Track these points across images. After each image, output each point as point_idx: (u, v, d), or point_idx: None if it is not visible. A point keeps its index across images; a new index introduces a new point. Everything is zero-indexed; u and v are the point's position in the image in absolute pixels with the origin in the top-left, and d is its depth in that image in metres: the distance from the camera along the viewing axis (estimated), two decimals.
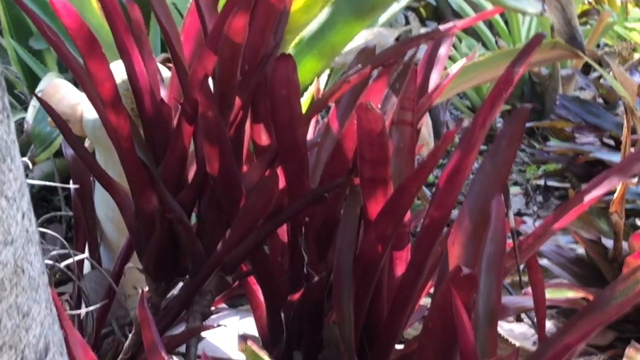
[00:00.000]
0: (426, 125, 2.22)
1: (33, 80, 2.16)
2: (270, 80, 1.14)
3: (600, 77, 3.26)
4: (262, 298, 1.26)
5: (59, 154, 1.90)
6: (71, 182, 1.47)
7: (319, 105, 1.24)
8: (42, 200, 2.15)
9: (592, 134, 2.70)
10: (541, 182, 2.86)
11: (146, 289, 1.25)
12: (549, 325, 1.87)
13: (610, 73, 2.00)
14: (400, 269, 1.16)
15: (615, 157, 2.26)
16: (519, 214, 2.71)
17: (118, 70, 1.27)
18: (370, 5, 1.51)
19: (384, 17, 1.76)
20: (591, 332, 0.97)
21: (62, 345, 0.74)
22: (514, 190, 2.83)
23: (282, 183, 1.20)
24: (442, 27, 1.24)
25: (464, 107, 3.50)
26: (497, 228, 1.00)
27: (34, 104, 1.82)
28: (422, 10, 4.94)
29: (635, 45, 3.59)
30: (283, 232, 1.24)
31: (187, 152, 1.21)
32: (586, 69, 3.50)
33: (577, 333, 0.95)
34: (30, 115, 1.79)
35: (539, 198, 2.82)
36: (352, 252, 1.12)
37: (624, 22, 3.79)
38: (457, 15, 4.06)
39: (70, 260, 1.33)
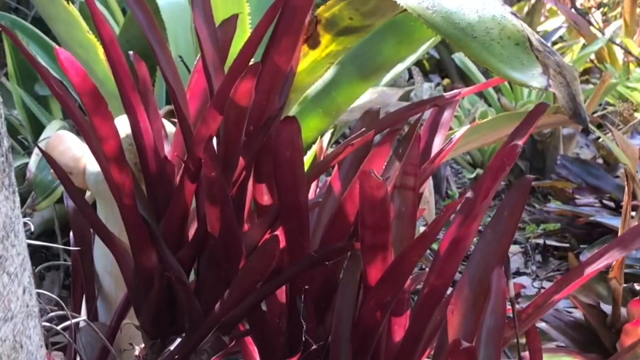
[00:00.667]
0: (427, 183, 2.22)
1: (37, 125, 2.17)
2: (275, 142, 1.14)
3: (600, 137, 3.27)
4: (258, 359, 1.25)
5: (60, 200, 1.90)
6: (71, 233, 1.47)
7: (321, 167, 1.24)
8: (41, 247, 2.14)
9: (592, 195, 2.70)
10: (540, 241, 2.86)
11: (142, 345, 1.25)
12: None
13: (610, 135, 2.01)
14: (398, 335, 1.15)
15: (615, 221, 2.26)
16: (517, 272, 2.70)
17: (123, 124, 1.28)
18: (375, 67, 1.52)
19: (388, 76, 1.76)
20: None
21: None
22: (513, 248, 2.82)
23: (282, 243, 1.20)
24: (447, 94, 1.24)
25: (464, 162, 3.51)
26: (497, 301, 1.00)
27: (37, 152, 1.82)
28: (425, 63, 4.97)
29: (637, 105, 3.61)
30: (282, 293, 1.24)
31: (188, 209, 1.21)
32: (587, 129, 3.51)
33: None
34: (33, 163, 1.80)
35: (538, 257, 2.81)
36: (350, 317, 1.12)
37: (625, 81, 3.81)
38: (459, 69, 4.08)
39: (67, 322, 1.32)
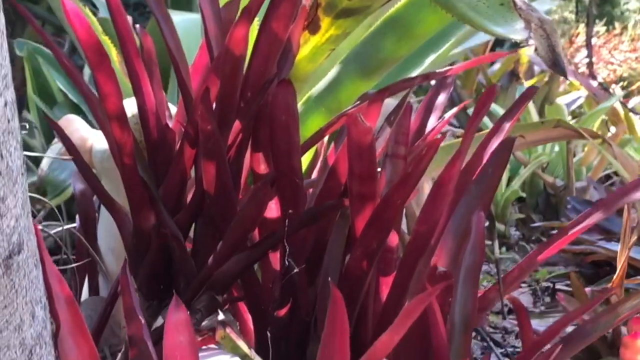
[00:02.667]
0: (427, 182, 2.23)
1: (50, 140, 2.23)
2: (270, 106, 1.19)
3: (613, 184, 3.30)
4: (251, 326, 1.28)
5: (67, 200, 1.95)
6: (77, 216, 1.51)
7: (316, 136, 1.28)
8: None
9: (601, 236, 2.71)
10: (550, 284, 2.87)
11: None
12: None
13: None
14: (385, 293, 1.17)
15: (615, 247, 2.27)
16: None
17: (130, 105, 1.33)
18: (376, 65, 1.57)
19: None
20: None
21: (37, 259, 0.77)
22: (521, 288, 2.84)
23: (277, 212, 1.24)
24: (439, 70, 1.29)
25: None
26: (475, 241, 1.03)
27: (49, 154, 1.88)
28: None
29: None
30: (276, 260, 1.27)
31: (187, 174, 1.25)
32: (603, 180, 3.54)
33: None
34: (45, 164, 1.86)
35: (547, 299, 2.82)
36: (337, 270, 1.15)
37: None
38: None
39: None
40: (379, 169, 1.18)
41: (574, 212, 2.88)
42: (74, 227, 1.50)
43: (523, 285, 2.88)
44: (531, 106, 3.58)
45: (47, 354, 0.78)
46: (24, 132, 2.32)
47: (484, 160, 1.17)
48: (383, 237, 1.09)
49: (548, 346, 1.03)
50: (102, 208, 1.53)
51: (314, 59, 1.45)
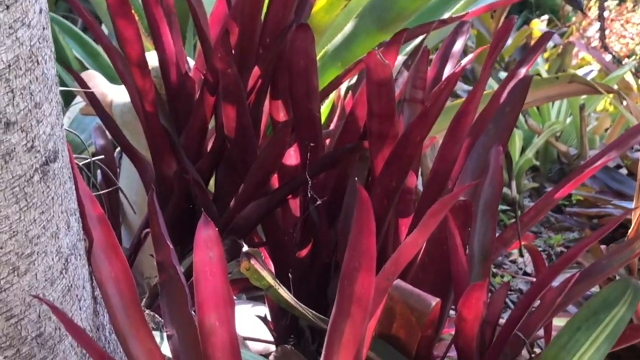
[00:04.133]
0: None
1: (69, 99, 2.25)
2: (289, 51, 1.21)
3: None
4: (272, 269, 1.30)
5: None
6: (99, 171, 1.53)
7: (334, 82, 1.30)
8: None
9: (615, 199, 2.72)
10: (564, 249, 2.88)
11: None
12: None
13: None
14: (404, 235, 1.19)
15: (630, 204, 2.28)
16: None
17: (151, 58, 1.35)
18: (391, 18, 1.59)
19: (410, 47, 1.82)
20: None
21: (70, 173, 0.79)
22: None
23: (297, 158, 1.26)
24: (455, 15, 1.30)
25: None
26: (494, 175, 1.05)
27: (68, 115, 1.90)
28: None
29: None
30: (296, 207, 1.29)
31: (207, 122, 1.27)
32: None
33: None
34: (65, 121, 1.87)
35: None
36: None
37: None
38: None
39: None
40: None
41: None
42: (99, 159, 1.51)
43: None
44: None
45: (82, 266, 0.80)
46: None
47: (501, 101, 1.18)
48: (402, 175, 1.11)
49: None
50: (124, 163, 1.55)
51: (331, 10, 1.46)
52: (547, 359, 0.91)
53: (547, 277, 1.00)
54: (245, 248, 0.98)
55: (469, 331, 0.91)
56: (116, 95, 1.47)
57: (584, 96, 3.29)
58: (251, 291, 1.53)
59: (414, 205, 1.20)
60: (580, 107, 3.36)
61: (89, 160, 1.38)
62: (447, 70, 1.36)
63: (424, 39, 1.26)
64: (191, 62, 1.40)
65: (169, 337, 0.81)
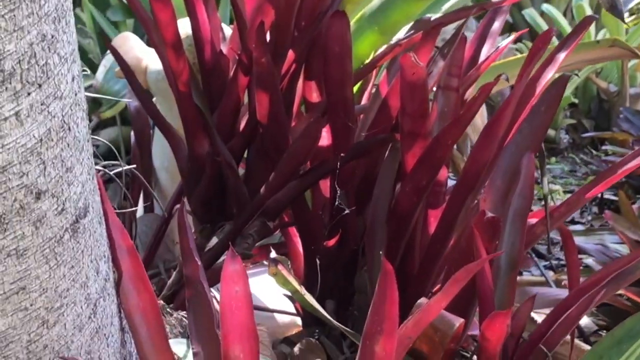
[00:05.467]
0: (481, 115, 2.25)
1: (106, 49, 2.25)
2: (325, 37, 1.20)
3: None
4: (301, 249, 1.31)
5: (125, 121, 1.98)
6: (132, 133, 1.54)
7: (369, 66, 1.29)
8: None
9: None
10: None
11: (192, 230, 1.32)
12: (588, 321, 1.89)
13: None
14: (433, 226, 1.20)
15: None
16: (572, 221, 2.71)
17: (184, 25, 1.34)
18: None
19: (447, 5, 1.79)
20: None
21: (101, 217, 0.80)
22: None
23: (329, 140, 1.26)
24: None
25: None
26: (525, 184, 1.04)
27: (104, 64, 1.91)
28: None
29: None
30: (326, 187, 1.29)
31: (240, 102, 1.27)
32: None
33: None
34: (100, 74, 1.88)
35: (594, 209, 2.82)
36: (387, 203, 1.17)
37: None
38: (533, 31, 4.06)
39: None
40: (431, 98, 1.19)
41: (625, 122, 2.86)
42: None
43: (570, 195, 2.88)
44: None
45: (110, 303, 0.82)
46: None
47: (537, 91, 1.17)
48: (432, 175, 1.11)
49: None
50: (157, 130, 1.55)
51: None
52: None
53: (573, 297, 1.00)
54: (273, 254, 0.99)
55: (491, 350, 0.92)
56: (152, 60, 1.46)
57: None
58: None
59: (443, 198, 1.20)
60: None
61: (123, 168, 1.38)
62: (484, 53, 1.35)
63: (462, 24, 1.24)
64: (227, 30, 1.39)
65: (195, 355, 0.83)
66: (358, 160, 1.23)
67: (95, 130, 2.23)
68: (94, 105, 1.94)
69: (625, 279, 1.12)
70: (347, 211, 1.19)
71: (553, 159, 3.19)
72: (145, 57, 1.47)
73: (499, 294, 1.00)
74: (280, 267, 0.99)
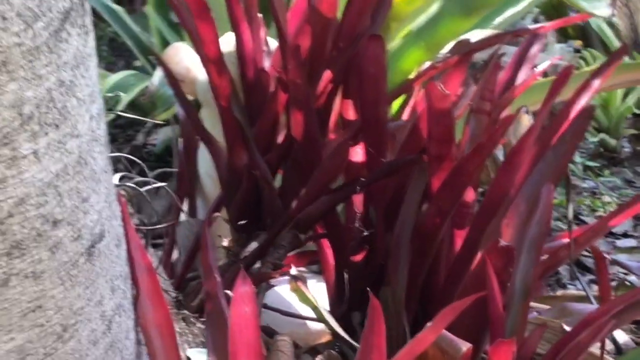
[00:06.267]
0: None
1: None
2: (361, 59, 1.24)
3: None
4: (332, 261, 1.36)
5: None
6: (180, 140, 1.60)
7: (404, 87, 1.32)
8: (162, 160, 2.30)
9: None
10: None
11: (229, 238, 1.37)
12: (626, 338, 1.90)
13: None
14: (459, 247, 1.23)
15: None
16: (625, 235, 2.71)
17: (230, 40, 1.40)
18: (479, 4, 1.59)
19: (497, 20, 1.81)
20: None
21: (121, 240, 0.86)
22: None
23: (363, 157, 1.30)
24: (531, 26, 1.31)
25: (590, 126, 3.50)
26: (543, 213, 1.07)
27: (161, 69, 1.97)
28: (570, 30, 4.91)
29: None
30: (359, 204, 1.33)
31: (279, 117, 1.32)
32: None
33: None
34: (156, 78, 1.95)
35: None
36: (412, 222, 1.20)
37: None
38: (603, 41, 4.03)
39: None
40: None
41: None
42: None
43: None
44: None
45: (126, 319, 0.88)
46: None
47: (569, 119, 1.20)
48: (456, 198, 1.14)
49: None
50: None
51: (412, 2, 1.47)
52: None
53: (594, 317, 1.02)
54: (293, 271, 1.04)
55: None
56: (201, 71, 1.52)
57: None
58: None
59: (470, 218, 1.23)
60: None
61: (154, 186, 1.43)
62: (521, 76, 1.37)
63: (498, 49, 1.27)
64: (273, 43, 1.44)
65: None
66: (389, 179, 1.27)
67: (153, 129, 2.32)
68: (151, 106, 2.01)
69: None
70: (374, 228, 1.24)
71: (607, 171, 3.17)
72: (194, 67, 1.52)
73: (510, 321, 1.04)
74: (299, 283, 1.04)
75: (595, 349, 1.89)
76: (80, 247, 0.78)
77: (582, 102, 1.21)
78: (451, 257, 1.22)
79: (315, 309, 1.07)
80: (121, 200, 0.86)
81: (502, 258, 1.01)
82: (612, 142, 3.37)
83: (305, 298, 1.05)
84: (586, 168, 3.10)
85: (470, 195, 1.21)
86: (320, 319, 1.10)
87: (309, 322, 1.42)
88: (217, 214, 1.39)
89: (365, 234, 1.28)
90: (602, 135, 3.46)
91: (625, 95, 3.44)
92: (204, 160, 1.57)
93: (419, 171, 1.22)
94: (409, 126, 1.29)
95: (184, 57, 1.54)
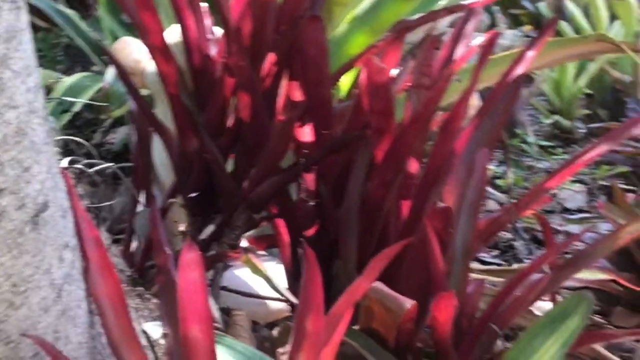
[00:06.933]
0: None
1: None
2: (301, 41, 1.28)
3: None
4: (287, 239, 1.40)
5: None
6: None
7: (345, 66, 1.37)
8: (121, 158, 2.32)
9: None
10: (607, 183, 2.92)
11: (185, 222, 1.41)
12: None
13: None
14: (406, 214, 1.27)
15: None
16: (579, 210, 2.77)
17: (177, 31, 1.43)
18: None
19: (444, 2, 1.86)
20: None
21: (67, 212, 0.89)
22: (577, 187, 2.89)
23: (311, 137, 1.34)
24: (464, 1, 1.35)
25: (543, 108, 3.57)
26: (478, 177, 1.12)
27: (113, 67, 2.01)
28: (523, 18, 4.97)
29: None
30: (311, 182, 1.38)
31: (227, 102, 1.36)
32: None
33: None
34: (109, 76, 1.98)
35: (603, 197, 2.87)
36: (359, 195, 1.25)
37: None
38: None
39: None
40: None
41: (633, 112, 2.91)
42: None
43: (579, 184, 2.94)
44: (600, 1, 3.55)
45: (76, 288, 0.91)
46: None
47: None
48: (399, 168, 1.19)
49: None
50: None
51: None
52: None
53: (527, 271, 1.07)
54: (244, 243, 1.08)
55: (442, 329, 1.00)
56: (150, 63, 1.55)
57: None
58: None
59: (415, 188, 1.28)
60: (635, 34, 3.35)
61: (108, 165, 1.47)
62: (459, 52, 1.42)
63: (432, 28, 1.32)
64: (218, 31, 1.48)
65: (165, 336, 0.92)
66: (337, 155, 1.31)
67: (111, 128, 2.34)
68: (106, 106, 2.04)
69: (585, 261, 1.19)
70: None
71: (560, 150, 3.23)
72: (143, 59, 1.56)
73: (453, 278, 1.08)
74: (250, 255, 1.08)
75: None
76: (25, 215, 0.82)
77: (518, 72, 1.26)
78: (399, 227, 1.27)
79: (267, 279, 1.11)
80: (65, 174, 0.90)
81: (442, 219, 1.05)
82: (566, 123, 3.44)
83: (256, 270, 1.09)
84: (541, 148, 3.17)
85: (413, 166, 1.26)
86: (272, 288, 1.14)
87: (268, 302, 1.47)
88: (172, 199, 1.43)
89: (314, 206, 1.32)
90: (556, 117, 3.52)
91: (577, 76, 3.51)
92: (158, 151, 1.60)
93: (364, 145, 1.27)
94: (353, 102, 1.33)
95: (133, 50, 1.57)
